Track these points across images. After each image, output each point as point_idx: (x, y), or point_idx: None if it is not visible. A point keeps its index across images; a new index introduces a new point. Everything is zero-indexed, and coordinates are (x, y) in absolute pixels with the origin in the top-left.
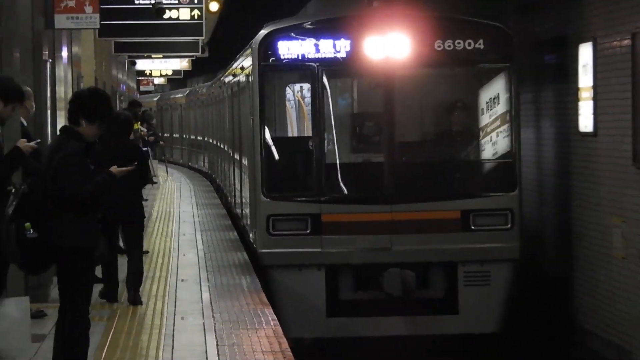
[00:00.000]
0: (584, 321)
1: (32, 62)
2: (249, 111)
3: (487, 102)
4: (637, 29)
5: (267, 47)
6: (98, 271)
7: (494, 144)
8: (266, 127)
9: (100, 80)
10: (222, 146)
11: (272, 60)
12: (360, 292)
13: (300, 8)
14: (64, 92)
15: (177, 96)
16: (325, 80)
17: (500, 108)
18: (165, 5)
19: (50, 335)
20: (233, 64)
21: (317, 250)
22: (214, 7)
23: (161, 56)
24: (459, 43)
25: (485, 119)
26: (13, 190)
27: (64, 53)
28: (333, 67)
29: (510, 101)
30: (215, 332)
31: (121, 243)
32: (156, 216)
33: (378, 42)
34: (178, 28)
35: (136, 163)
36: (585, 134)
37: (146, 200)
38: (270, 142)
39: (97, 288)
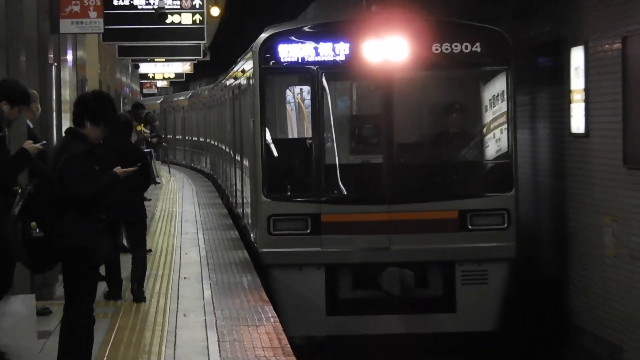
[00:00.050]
0: (578, 320)
1: (38, 65)
2: (249, 113)
3: (484, 105)
4: (627, 32)
5: (268, 51)
6: (101, 269)
7: (490, 145)
8: (267, 129)
9: (104, 83)
10: (223, 147)
11: (273, 63)
12: (360, 291)
13: (299, 12)
14: (69, 94)
15: (179, 99)
16: (324, 82)
17: (497, 110)
18: (167, 11)
19: (56, 332)
20: (234, 67)
21: (316, 250)
22: (215, 12)
23: (164, 60)
24: (456, 46)
25: (482, 121)
26: (19, 191)
27: (69, 57)
28: (332, 69)
29: (507, 103)
30: (217, 328)
31: (125, 242)
32: (159, 216)
33: (376, 45)
34: (180, 32)
35: (139, 164)
36: (577, 135)
37: (149, 200)
38: (271, 143)
39: (102, 286)
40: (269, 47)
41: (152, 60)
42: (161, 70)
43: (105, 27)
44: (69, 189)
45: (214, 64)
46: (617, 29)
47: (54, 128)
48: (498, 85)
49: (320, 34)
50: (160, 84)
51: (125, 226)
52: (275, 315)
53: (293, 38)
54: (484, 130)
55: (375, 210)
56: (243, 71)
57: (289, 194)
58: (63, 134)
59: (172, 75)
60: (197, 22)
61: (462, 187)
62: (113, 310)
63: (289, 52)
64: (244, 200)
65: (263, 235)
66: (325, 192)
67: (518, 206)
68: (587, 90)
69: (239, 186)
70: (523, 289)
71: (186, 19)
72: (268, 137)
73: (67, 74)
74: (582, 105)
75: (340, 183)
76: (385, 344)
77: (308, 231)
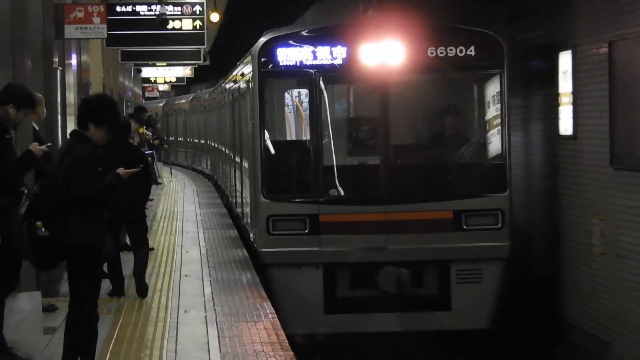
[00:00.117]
0: (569, 317)
1: (43, 69)
2: (249, 116)
3: (478, 107)
4: (614, 37)
5: (267, 54)
6: (104, 267)
7: (485, 147)
8: (266, 131)
9: (107, 87)
10: (223, 149)
11: (271, 66)
12: (357, 289)
13: (297, 17)
14: (73, 98)
15: (181, 102)
16: (322, 86)
17: (491, 112)
18: (169, 17)
19: (61, 328)
20: (234, 71)
21: (315, 250)
22: (215, 17)
23: (165, 64)
24: (451, 50)
25: (476, 123)
26: (25, 191)
27: (73, 61)
28: (330, 73)
29: (500, 106)
30: (217, 324)
31: (128, 241)
32: (161, 215)
33: (373, 49)
34: (181, 38)
35: (142, 165)
36: (565, 137)
37: (151, 200)
38: (270, 145)
39: (106, 284)
40: (268, 51)
41: (154, 65)
42: (163, 74)
43: (109, 32)
44: (73, 190)
45: (214, 68)
46: (604, 34)
47: (58, 130)
48: (492, 88)
49: (318, 38)
50: (161, 87)
51: (126, 226)
52: (274, 311)
53: (291, 42)
54: (479, 132)
55: (372, 211)
56: (242, 75)
57: (287, 194)
58: (68, 136)
59: (174, 79)
60: (198, 27)
61: (457, 188)
62: (116, 306)
63: (287, 56)
64: (244, 201)
65: (262, 235)
66: (323, 193)
67: (512, 206)
68: (575, 93)
69: (238, 187)
70: (517, 289)
71: (187, 24)
72: (267, 139)
73: (71, 78)
74: (570, 107)
75: (338, 184)
76: (384, 343)
77: (306, 231)
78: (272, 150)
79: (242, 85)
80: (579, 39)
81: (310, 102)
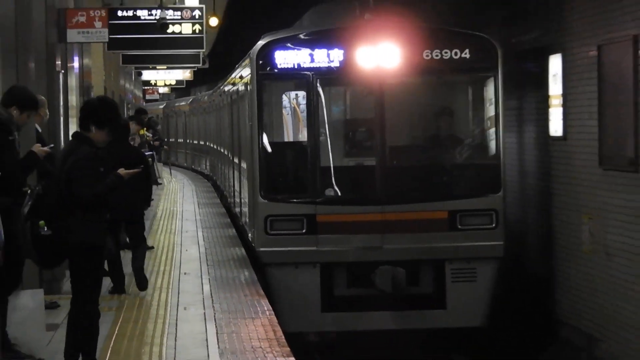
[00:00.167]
0: (561, 314)
1: (46, 72)
2: (247, 117)
3: (473, 109)
4: (602, 41)
5: (265, 57)
6: (105, 265)
7: (479, 148)
8: (264, 133)
9: (109, 89)
10: (222, 150)
11: (269, 69)
12: (354, 288)
13: (295, 20)
14: (75, 100)
15: (181, 104)
16: (319, 88)
17: (486, 114)
18: (169, 21)
19: (63, 324)
20: (232, 74)
21: (312, 249)
22: (214, 22)
23: (165, 67)
24: (446, 53)
25: (470, 125)
26: (29, 191)
27: (76, 64)
28: (327, 75)
29: (494, 108)
30: (215, 321)
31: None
32: (161, 214)
33: (370, 52)
34: (181, 41)
35: (142, 166)
36: (555, 138)
37: (152, 199)
38: (268, 146)
39: (107, 281)
40: (266, 54)
41: (154, 68)
42: (163, 77)
43: (110, 36)
44: (75, 190)
45: (213, 71)
46: (593, 38)
47: (61, 132)
48: (486, 90)
49: (315, 41)
50: (162, 90)
51: (126, 225)
52: (271, 308)
53: (289, 45)
54: (473, 133)
55: (369, 211)
56: (241, 77)
57: (285, 195)
58: (70, 138)
59: (173, 82)
60: (197, 31)
61: (452, 188)
62: (117, 303)
63: (285, 58)
64: (242, 201)
65: (260, 235)
66: (320, 194)
67: (506, 206)
68: (565, 95)
69: (237, 187)
70: (511, 288)
71: (186, 28)
72: (265, 140)
73: (73, 81)
74: (560, 109)
75: (335, 185)
76: (380, 341)
77: (304, 231)
78: (270, 151)
79: (241, 87)
80: (569, 42)
81: (308, 104)
